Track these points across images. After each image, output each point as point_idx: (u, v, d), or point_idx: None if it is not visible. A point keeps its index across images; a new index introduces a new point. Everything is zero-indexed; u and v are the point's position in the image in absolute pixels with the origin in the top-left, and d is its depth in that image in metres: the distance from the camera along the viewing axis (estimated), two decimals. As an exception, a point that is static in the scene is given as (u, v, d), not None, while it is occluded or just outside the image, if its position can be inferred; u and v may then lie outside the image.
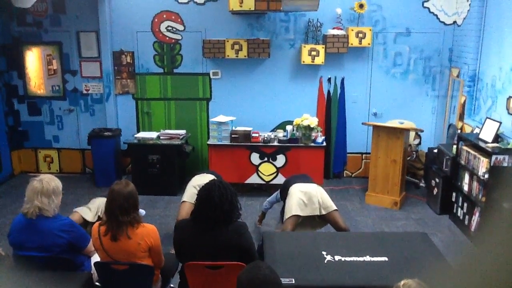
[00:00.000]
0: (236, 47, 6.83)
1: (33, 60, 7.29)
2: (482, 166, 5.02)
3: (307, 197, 4.51)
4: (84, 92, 7.33)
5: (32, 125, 7.50)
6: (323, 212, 4.50)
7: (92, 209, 4.32)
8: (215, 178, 3.66)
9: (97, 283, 3.30)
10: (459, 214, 5.62)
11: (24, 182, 3.28)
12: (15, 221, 3.24)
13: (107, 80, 7.16)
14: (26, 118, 7.48)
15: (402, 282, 2.20)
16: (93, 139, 6.88)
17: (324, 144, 6.47)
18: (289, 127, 6.44)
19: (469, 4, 6.32)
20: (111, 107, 7.24)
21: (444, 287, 0.69)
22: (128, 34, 7.06)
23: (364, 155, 7.32)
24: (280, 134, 6.49)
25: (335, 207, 4.56)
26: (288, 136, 6.37)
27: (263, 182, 6.53)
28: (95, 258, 3.29)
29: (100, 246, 3.07)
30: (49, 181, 3.18)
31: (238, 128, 6.54)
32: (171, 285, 3.79)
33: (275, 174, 6.44)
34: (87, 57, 7.22)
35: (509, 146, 4.98)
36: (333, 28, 6.73)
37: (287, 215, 4.47)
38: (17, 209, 3.39)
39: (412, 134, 6.66)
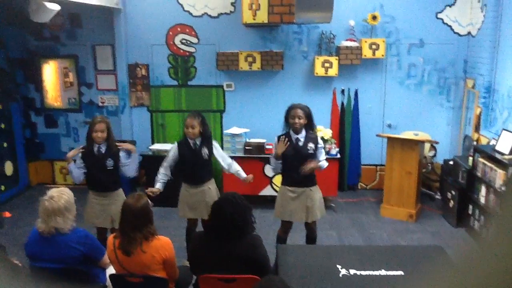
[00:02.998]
0: (250, 59, 6.87)
1: (50, 73, 7.42)
2: (499, 178, 4.95)
3: None
4: (100, 104, 7.42)
5: (48, 137, 7.60)
6: None
7: None
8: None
9: (112, 295, 3.31)
10: (476, 227, 5.53)
11: (41, 193, 3.30)
12: (32, 233, 3.27)
13: (122, 93, 7.24)
14: (43, 130, 7.59)
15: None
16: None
17: (338, 156, 6.45)
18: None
19: (484, 15, 6.28)
20: (126, 119, 7.31)
21: None
22: (143, 47, 7.15)
23: (378, 167, 7.26)
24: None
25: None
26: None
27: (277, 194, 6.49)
28: (110, 270, 3.30)
29: (115, 259, 3.09)
30: (59, 198, 3.14)
31: (252, 140, 6.55)
32: (185, 298, 3.78)
33: (288, 186, 6.40)
34: (102, 70, 7.32)
35: (526, 158, 4.90)
36: (346, 40, 6.74)
37: None
38: (33, 221, 3.40)
39: (427, 146, 6.60)
